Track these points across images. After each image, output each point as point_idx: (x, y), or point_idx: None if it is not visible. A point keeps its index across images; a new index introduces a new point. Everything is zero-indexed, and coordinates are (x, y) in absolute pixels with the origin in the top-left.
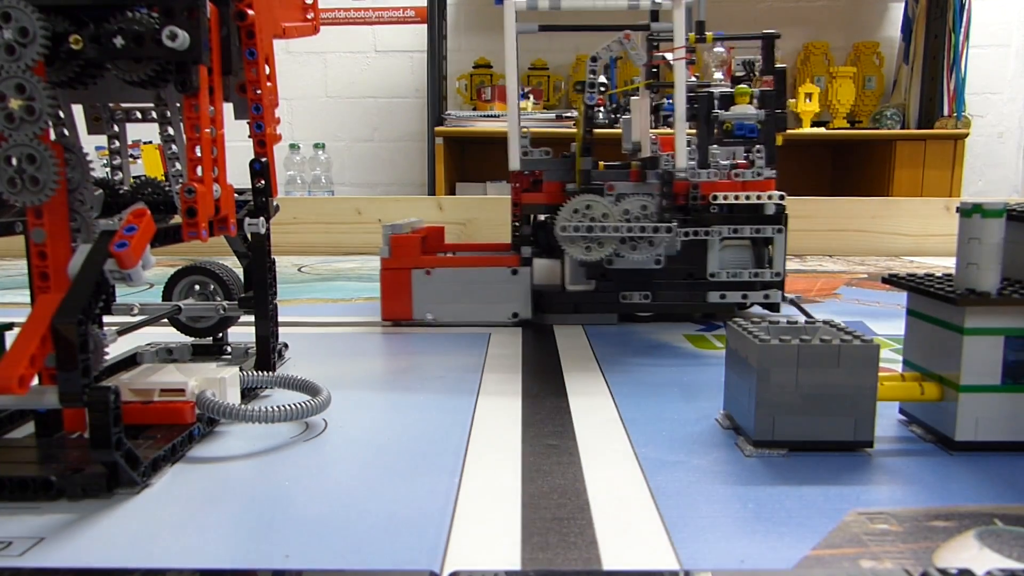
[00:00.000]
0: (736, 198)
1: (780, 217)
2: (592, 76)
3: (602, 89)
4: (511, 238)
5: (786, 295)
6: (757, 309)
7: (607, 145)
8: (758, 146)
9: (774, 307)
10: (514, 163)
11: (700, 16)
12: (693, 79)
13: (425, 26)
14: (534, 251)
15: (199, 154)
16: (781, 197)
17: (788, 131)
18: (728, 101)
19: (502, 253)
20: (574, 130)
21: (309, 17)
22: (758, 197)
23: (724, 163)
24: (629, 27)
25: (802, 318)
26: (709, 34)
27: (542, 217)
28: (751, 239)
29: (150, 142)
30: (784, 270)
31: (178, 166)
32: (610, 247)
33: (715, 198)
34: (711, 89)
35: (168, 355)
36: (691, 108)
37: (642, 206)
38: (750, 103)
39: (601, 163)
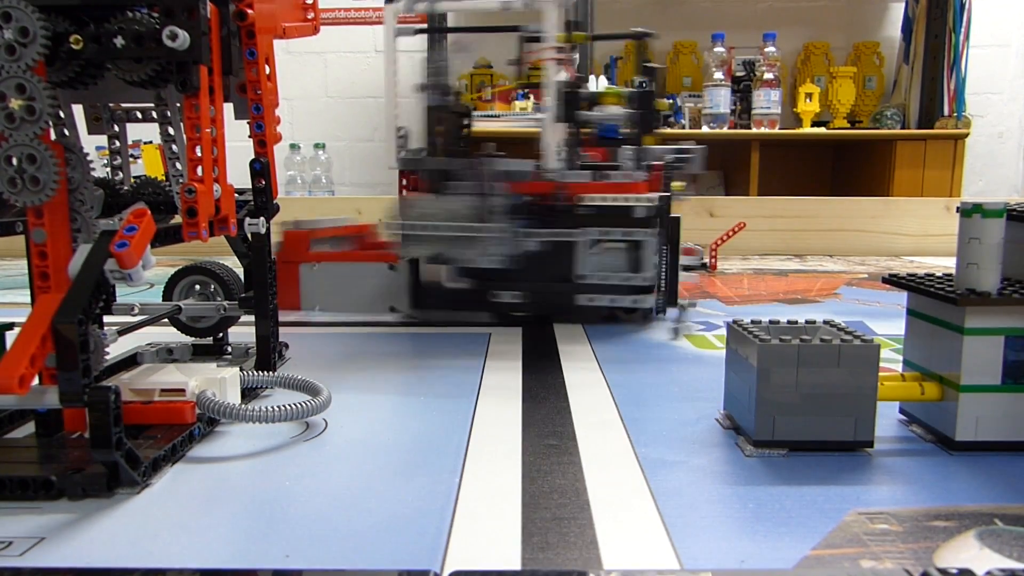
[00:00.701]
0: (604, 200)
1: (652, 220)
2: (433, 79)
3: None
4: None
5: (681, 301)
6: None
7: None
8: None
9: (646, 313)
10: (392, 161)
11: (578, 16)
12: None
13: (425, 26)
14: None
15: (199, 154)
16: (652, 200)
17: (789, 131)
18: (595, 102)
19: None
20: (572, 130)
21: (309, 17)
22: (626, 200)
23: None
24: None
25: (801, 318)
26: (578, 34)
27: None
28: (630, 243)
29: (150, 142)
30: (662, 275)
31: (178, 166)
32: (437, 246)
33: (581, 200)
34: (578, 90)
35: (168, 355)
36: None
37: (465, 206)
38: (619, 104)
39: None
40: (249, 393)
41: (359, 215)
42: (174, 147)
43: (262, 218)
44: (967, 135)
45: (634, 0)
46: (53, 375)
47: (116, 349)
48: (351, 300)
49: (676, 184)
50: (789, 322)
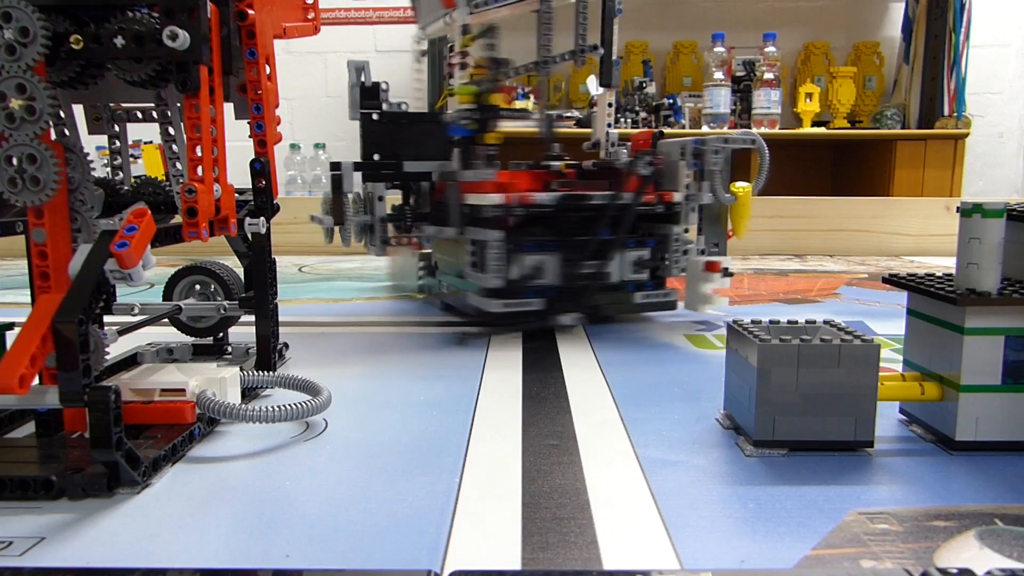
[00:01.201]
0: (474, 200)
1: (497, 220)
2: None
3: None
4: None
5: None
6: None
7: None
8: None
9: (494, 320)
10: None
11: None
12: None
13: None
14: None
15: (199, 154)
16: (494, 200)
17: (789, 131)
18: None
19: None
20: (573, 130)
21: (309, 17)
22: (480, 200)
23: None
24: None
25: (801, 318)
26: (466, 37)
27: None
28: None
29: (150, 142)
30: (502, 281)
31: (178, 166)
32: (328, 236)
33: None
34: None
35: (168, 355)
36: None
37: (326, 201)
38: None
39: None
40: (249, 393)
41: None
42: (174, 147)
43: (262, 218)
44: (967, 135)
45: (634, 0)
46: (53, 375)
47: (116, 349)
48: (397, 279)
49: (735, 187)
50: (789, 322)
